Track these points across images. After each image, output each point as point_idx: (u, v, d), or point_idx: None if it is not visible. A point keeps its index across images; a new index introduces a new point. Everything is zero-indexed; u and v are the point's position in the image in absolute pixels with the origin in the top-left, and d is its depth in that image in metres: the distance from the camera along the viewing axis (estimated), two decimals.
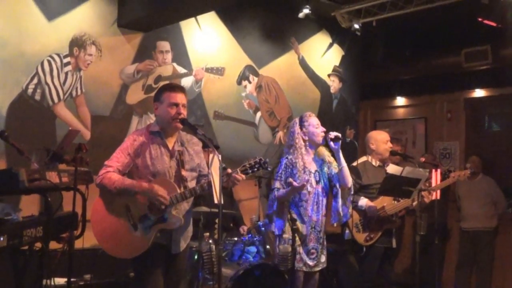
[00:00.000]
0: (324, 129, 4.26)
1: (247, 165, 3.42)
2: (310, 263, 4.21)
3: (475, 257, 6.63)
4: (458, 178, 5.16)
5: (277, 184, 4.22)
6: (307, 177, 4.19)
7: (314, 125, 4.26)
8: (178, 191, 3.38)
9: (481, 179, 6.68)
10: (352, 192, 4.41)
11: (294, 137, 4.27)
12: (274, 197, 4.20)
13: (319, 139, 4.24)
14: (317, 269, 4.28)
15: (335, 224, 4.42)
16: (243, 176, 3.39)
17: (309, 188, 4.21)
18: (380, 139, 5.09)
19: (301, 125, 4.28)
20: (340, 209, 4.32)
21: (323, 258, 4.32)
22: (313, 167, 4.27)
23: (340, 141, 4.20)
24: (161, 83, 5.86)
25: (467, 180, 6.70)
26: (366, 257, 4.94)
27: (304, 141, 4.26)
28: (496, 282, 6.70)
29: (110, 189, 3.35)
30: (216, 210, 3.30)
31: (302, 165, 4.18)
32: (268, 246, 4.68)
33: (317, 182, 4.25)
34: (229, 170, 3.34)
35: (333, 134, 4.18)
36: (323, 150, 4.37)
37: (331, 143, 4.19)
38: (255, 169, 3.42)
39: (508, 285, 6.72)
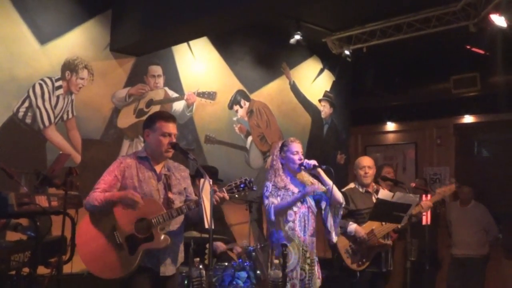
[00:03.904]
0: (301, 158, 4.28)
1: (233, 184, 3.47)
2: (300, 284, 4.14)
3: (465, 283, 6.60)
4: (444, 193, 5.17)
5: (269, 200, 4.22)
6: (290, 198, 4.21)
7: (293, 151, 4.29)
8: (164, 211, 3.39)
9: (473, 206, 6.68)
10: (342, 212, 4.41)
11: (273, 159, 4.38)
12: (270, 209, 4.20)
13: (295, 166, 4.27)
14: None
15: (335, 240, 4.39)
16: (224, 195, 3.40)
17: (295, 208, 4.22)
18: (355, 165, 5.14)
19: (281, 149, 4.35)
20: (329, 227, 4.31)
21: (318, 283, 4.27)
22: (295, 188, 4.28)
23: (319, 168, 4.22)
24: (153, 107, 5.89)
25: (459, 206, 6.72)
26: (355, 283, 4.91)
27: (282, 164, 4.32)
28: None
29: (95, 206, 3.35)
30: (207, 235, 3.27)
31: (282, 185, 4.23)
32: (258, 272, 4.65)
33: (301, 203, 4.26)
34: (216, 189, 3.38)
35: (309, 163, 4.21)
36: (303, 175, 4.38)
37: (310, 171, 4.26)
38: (241, 189, 3.46)
39: None
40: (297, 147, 4.31)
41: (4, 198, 3.04)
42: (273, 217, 4.19)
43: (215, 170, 5.20)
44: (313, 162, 4.23)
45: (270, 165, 4.41)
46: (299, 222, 4.23)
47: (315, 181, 4.38)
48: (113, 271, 3.36)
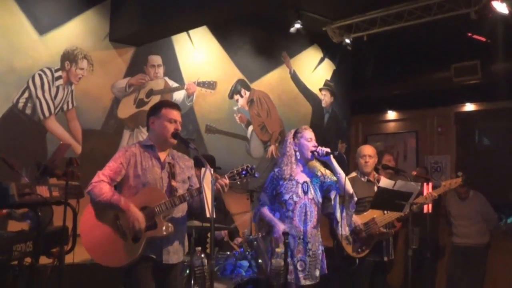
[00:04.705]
0: (316, 145, 4.28)
1: (235, 171, 3.48)
2: (300, 275, 4.17)
3: (466, 271, 6.61)
4: (450, 186, 5.14)
5: (263, 198, 4.32)
6: (294, 188, 4.23)
7: (307, 138, 4.30)
8: (167, 199, 3.39)
9: (472, 198, 6.65)
10: (355, 199, 4.41)
11: (286, 145, 4.37)
12: (258, 211, 4.32)
13: (308, 153, 4.28)
14: (307, 283, 4.21)
15: (343, 233, 4.41)
16: (226, 181, 3.42)
17: (295, 198, 4.24)
18: (357, 154, 5.14)
19: (295, 136, 4.36)
20: (338, 218, 4.32)
21: (317, 273, 4.27)
22: (301, 178, 4.30)
23: (331, 155, 4.23)
24: (153, 97, 5.88)
25: (458, 200, 6.70)
26: (357, 271, 4.92)
27: (295, 151, 4.32)
28: None
29: (98, 200, 3.36)
30: (208, 225, 3.27)
31: (288, 173, 4.24)
32: (260, 261, 4.65)
33: (305, 193, 4.27)
34: (217, 176, 3.41)
35: (322, 150, 4.21)
36: (314, 164, 4.40)
37: (322, 158, 4.25)
38: (243, 175, 3.47)
39: None
40: (310, 134, 4.33)
41: (5, 188, 3.03)
42: (255, 221, 4.32)
43: (212, 158, 5.21)
44: (326, 149, 4.24)
45: (283, 152, 4.40)
46: (299, 213, 4.24)
47: (327, 171, 4.38)
48: (116, 259, 3.36)
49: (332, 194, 4.35)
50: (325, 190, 4.37)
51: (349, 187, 4.30)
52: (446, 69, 7.18)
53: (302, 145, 4.30)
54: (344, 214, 4.38)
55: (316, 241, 4.30)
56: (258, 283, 4.35)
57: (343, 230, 4.41)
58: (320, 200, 4.36)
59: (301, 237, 4.22)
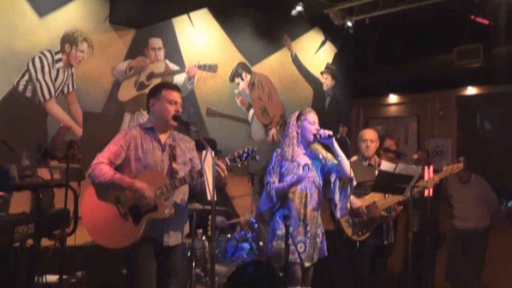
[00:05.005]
0: (318, 128, 4.28)
1: (236, 154, 3.47)
2: (301, 256, 4.19)
3: (466, 254, 6.64)
4: (451, 171, 5.13)
5: (271, 178, 4.26)
6: (295, 169, 4.23)
7: (310, 121, 4.31)
8: (168, 181, 3.39)
9: (473, 182, 6.65)
10: (355, 183, 4.41)
11: (289, 127, 4.38)
12: (271, 190, 4.23)
13: (310, 135, 4.28)
14: (307, 264, 4.24)
15: (339, 216, 4.42)
16: (222, 165, 3.36)
17: None
18: (358, 138, 5.15)
19: (298, 118, 4.37)
20: (337, 201, 4.33)
21: (316, 255, 4.30)
22: (302, 160, 4.30)
23: (333, 138, 4.23)
24: (154, 80, 5.85)
25: (460, 183, 6.70)
26: (357, 254, 4.94)
27: (297, 133, 4.32)
28: (486, 278, 6.73)
29: (99, 181, 3.36)
30: (209, 207, 3.28)
31: (291, 155, 4.25)
32: (261, 243, 4.68)
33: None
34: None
35: (325, 132, 4.21)
36: (316, 146, 4.40)
37: (324, 141, 4.24)
38: (244, 158, 3.46)
39: (498, 281, 6.75)
40: (314, 117, 4.34)
41: (6, 170, 3.02)
42: (275, 199, 4.23)
43: (213, 142, 5.21)
44: (328, 131, 4.24)
45: (285, 134, 4.41)
46: (299, 195, 4.24)
47: (328, 154, 4.38)
48: (117, 241, 3.38)
49: (332, 177, 4.35)
50: (326, 173, 4.38)
51: (347, 170, 4.29)
52: (448, 52, 7.13)
53: (304, 128, 4.30)
54: (342, 198, 4.38)
55: (316, 223, 4.31)
56: (258, 266, 4.38)
57: (339, 214, 4.42)
58: (321, 183, 4.36)
59: (301, 218, 4.23)
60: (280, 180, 4.27)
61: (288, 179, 4.23)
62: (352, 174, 4.32)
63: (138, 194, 3.33)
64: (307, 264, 4.24)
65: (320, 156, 4.37)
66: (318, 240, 4.32)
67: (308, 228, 4.25)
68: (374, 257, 5.04)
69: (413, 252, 4.78)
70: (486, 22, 6.72)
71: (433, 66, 7.52)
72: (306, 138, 4.31)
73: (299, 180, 4.18)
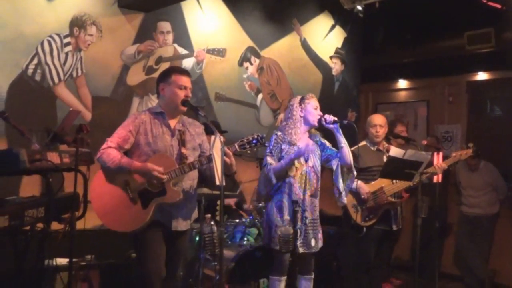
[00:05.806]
0: (321, 113, 4.23)
1: (245, 140, 3.48)
2: (297, 242, 4.09)
3: (474, 240, 6.62)
4: (460, 157, 5.09)
5: (269, 160, 4.17)
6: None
7: (313, 105, 4.26)
8: (177, 166, 3.40)
9: (482, 169, 6.60)
10: (355, 173, 4.34)
11: (292, 109, 4.28)
12: (269, 171, 4.12)
13: (314, 119, 4.22)
14: (301, 250, 4.11)
15: (344, 202, 4.35)
16: (229, 152, 3.37)
17: (297, 164, 4.16)
18: (367, 123, 5.11)
19: (301, 101, 4.29)
20: (341, 188, 4.27)
21: (313, 242, 4.19)
22: (303, 144, 4.18)
23: (338, 124, 4.16)
24: (162, 64, 5.84)
25: (468, 171, 6.66)
26: (363, 239, 4.94)
27: (300, 116, 4.25)
28: (494, 264, 6.72)
29: (108, 165, 3.39)
30: (218, 192, 3.29)
31: (293, 137, 4.17)
32: None
33: (306, 160, 4.20)
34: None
35: (330, 117, 4.16)
36: (316, 132, 4.35)
37: (329, 125, 4.15)
38: (253, 144, 3.47)
39: (506, 266, 6.75)
40: (316, 103, 4.29)
41: (16, 154, 3.04)
42: (274, 181, 4.12)
43: (217, 124, 5.22)
44: (333, 117, 4.18)
45: (287, 116, 4.32)
46: (299, 180, 4.20)
47: (324, 140, 4.34)
48: (126, 224, 3.41)
49: (334, 164, 4.27)
50: (324, 160, 4.32)
51: (347, 157, 4.19)
52: (459, 36, 7.06)
53: (308, 111, 4.24)
54: (344, 185, 4.31)
55: (313, 209, 4.22)
56: (266, 251, 4.39)
57: (343, 201, 4.33)
58: (319, 169, 4.31)
59: (300, 204, 4.14)
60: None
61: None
62: (352, 162, 4.22)
63: (149, 176, 3.34)
64: (301, 250, 4.12)
65: (319, 142, 4.32)
66: (315, 227, 4.22)
67: (306, 214, 4.16)
68: (381, 242, 5.05)
69: (421, 238, 4.77)
70: (498, 6, 6.63)
71: (443, 50, 7.46)
72: (309, 122, 4.24)
73: (298, 154, 4.08)
